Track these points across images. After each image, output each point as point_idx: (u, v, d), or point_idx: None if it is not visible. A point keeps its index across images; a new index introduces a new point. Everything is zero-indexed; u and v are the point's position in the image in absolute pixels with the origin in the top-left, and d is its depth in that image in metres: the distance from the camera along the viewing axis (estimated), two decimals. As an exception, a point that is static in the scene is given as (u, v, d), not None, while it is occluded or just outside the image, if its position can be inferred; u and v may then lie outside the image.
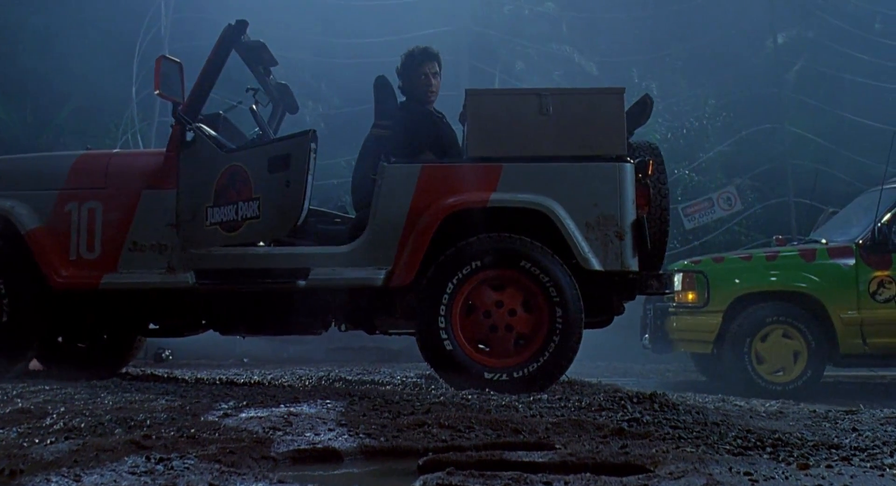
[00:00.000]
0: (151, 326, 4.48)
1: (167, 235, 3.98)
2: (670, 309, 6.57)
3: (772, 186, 13.16)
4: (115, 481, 1.79)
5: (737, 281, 6.34)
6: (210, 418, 2.61)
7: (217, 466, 1.95)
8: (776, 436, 2.53)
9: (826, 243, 6.49)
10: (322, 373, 5.39)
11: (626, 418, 2.80)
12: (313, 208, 4.30)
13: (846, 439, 2.61)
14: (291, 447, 2.22)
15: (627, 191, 3.83)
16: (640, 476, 1.93)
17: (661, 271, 4.06)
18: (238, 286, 3.93)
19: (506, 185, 3.83)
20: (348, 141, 9.16)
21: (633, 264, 3.83)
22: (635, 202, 3.84)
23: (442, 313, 3.75)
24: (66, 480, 1.78)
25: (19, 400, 2.93)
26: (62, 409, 2.67)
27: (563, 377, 4.10)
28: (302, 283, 3.83)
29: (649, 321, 6.93)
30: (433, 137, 4.23)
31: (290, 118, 5.11)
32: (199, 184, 3.99)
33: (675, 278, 6.33)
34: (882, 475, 1.97)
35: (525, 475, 1.91)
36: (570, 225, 3.78)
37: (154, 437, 2.16)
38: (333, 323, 4.27)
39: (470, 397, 3.32)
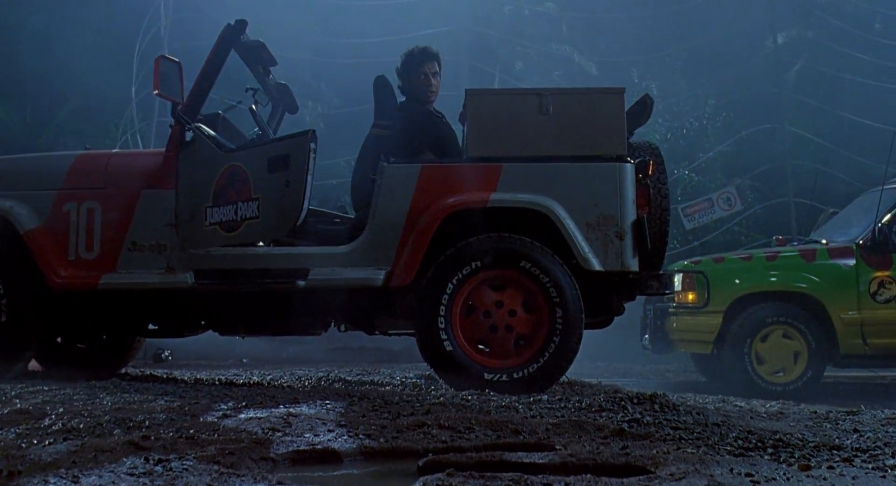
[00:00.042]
0: (150, 326, 4.46)
1: (166, 236, 3.97)
2: (670, 309, 6.57)
3: (772, 186, 13.16)
4: (113, 482, 1.78)
5: (737, 281, 6.34)
6: (209, 418, 2.60)
7: (216, 467, 1.94)
8: (777, 437, 2.52)
9: (826, 244, 6.49)
10: (321, 373, 5.38)
11: (627, 418, 2.80)
12: (313, 208, 4.29)
13: (847, 440, 2.60)
14: (291, 448, 2.21)
15: (628, 191, 3.82)
16: (641, 478, 1.93)
17: (661, 272, 4.06)
18: (237, 287, 3.92)
19: (506, 185, 3.83)
20: (348, 141, 9.14)
21: (634, 265, 3.82)
22: (635, 202, 3.83)
23: (442, 313, 3.74)
24: (65, 481, 1.77)
25: (18, 401, 2.92)
26: (61, 410, 2.67)
27: (564, 378, 4.09)
28: (301, 283, 3.83)
29: (649, 322, 6.92)
30: (433, 137, 4.22)
31: (290, 118, 5.10)
32: (199, 184, 3.99)
33: (676, 279, 6.32)
34: (884, 477, 1.96)
35: (525, 476, 1.91)
36: (571, 225, 3.77)
37: (153, 438, 2.15)
38: (333, 323, 4.27)
39: (470, 397, 3.31)
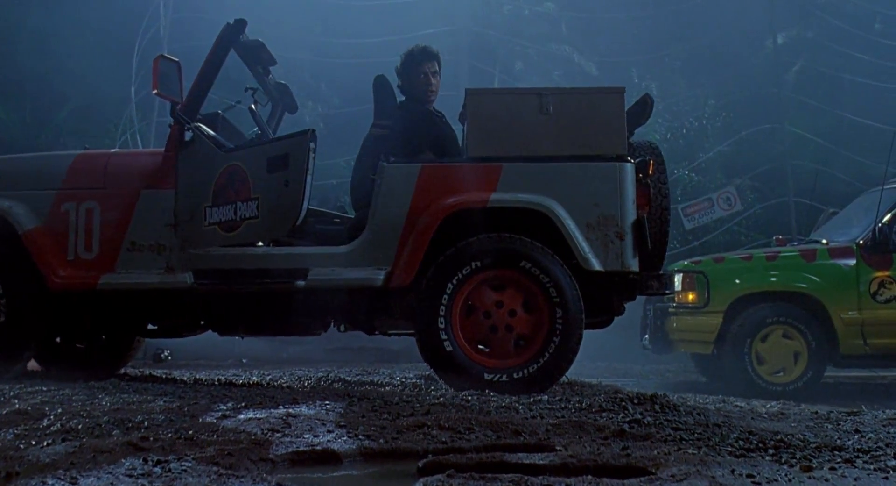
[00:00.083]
0: (150, 326, 4.46)
1: (165, 236, 3.96)
2: (670, 309, 6.56)
3: (772, 186, 13.17)
4: (111, 483, 1.77)
5: (737, 281, 6.33)
6: (208, 419, 2.59)
7: (215, 468, 1.93)
8: (778, 438, 2.51)
9: (826, 244, 6.48)
10: (321, 374, 5.37)
11: (628, 419, 2.79)
12: (312, 208, 4.28)
13: (849, 440, 2.59)
14: (290, 449, 2.20)
15: (628, 191, 3.81)
16: (642, 479, 1.92)
17: (661, 272, 4.05)
18: (237, 287, 3.91)
19: (506, 185, 3.82)
20: (348, 141, 9.16)
21: (634, 265, 3.82)
22: (636, 202, 3.83)
23: (442, 313, 3.74)
24: (63, 482, 1.76)
25: (17, 401, 2.91)
26: (59, 410, 2.66)
27: (564, 378, 4.09)
28: (301, 283, 3.82)
29: (649, 322, 6.91)
30: (433, 137, 4.21)
31: (290, 118, 5.10)
32: (198, 184, 3.98)
33: (676, 279, 6.31)
34: (886, 478, 1.96)
35: (526, 477, 1.90)
36: (571, 225, 3.76)
37: (152, 439, 2.14)
38: (332, 324, 4.26)
39: (470, 398, 3.31)
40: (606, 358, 8.59)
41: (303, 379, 4.85)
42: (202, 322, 4.30)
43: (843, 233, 6.61)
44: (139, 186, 4.02)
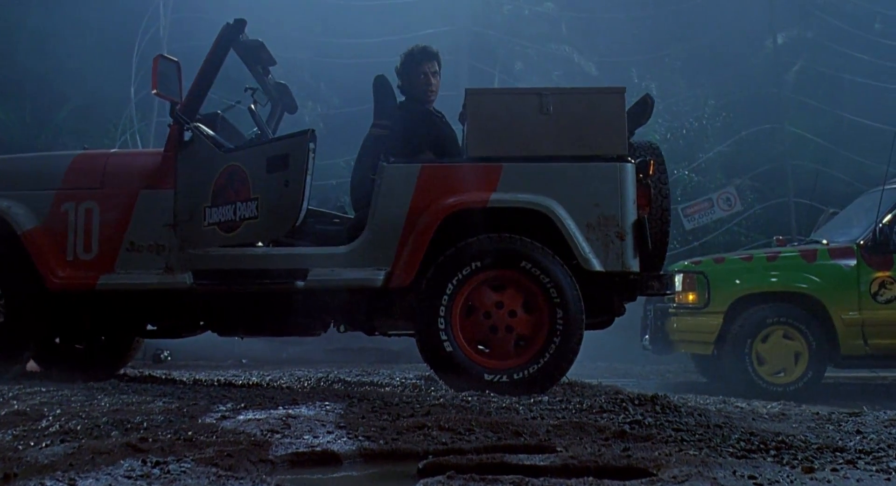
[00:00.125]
0: (149, 327, 4.45)
1: (165, 236, 3.96)
2: (671, 310, 6.55)
3: (772, 186, 13.16)
4: (110, 485, 1.76)
5: (737, 282, 6.32)
6: (207, 420, 2.58)
7: (214, 469, 1.92)
8: (780, 439, 2.50)
9: (827, 244, 6.47)
10: (321, 374, 5.36)
11: (628, 420, 2.78)
12: (312, 209, 4.27)
13: (850, 441, 2.58)
14: (290, 450, 2.20)
15: (628, 191, 3.81)
16: (644, 480, 1.91)
17: (661, 272, 4.04)
18: (236, 287, 3.90)
19: (506, 185, 3.81)
20: (347, 141, 9.15)
21: (634, 265, 3.81)
22: (636, 202, 3.82)
23: (441, 314, 3.73)
24: (61, 484, 1.75)
25: (15, 402, 2.90)
26: (58, 411, 2.65)
27: (564, 379, 4.08)
28: (300, 284, 3.81)
29: (649, 322, 6.90)
30: (433, 137, 4.20)
31: (289, 118, 5.09)
32: (197, 184, 3.97)
33: (676, 279, 6.30)
34: (889, 479, 1.95)
35: (526, 478, 1.89)
36: (571, 225, 3.75)
37: (150, 440, 2.13)
38: (332, 324, 4.25)
39: (470, 398, 3.30)
40: (606, 358, 8.58)
41: (302, 380, 4.84)
42: (201, 323, 4.29)
43: (843, 233, 6.61)
44: (138, 186, 4.01)
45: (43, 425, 2.42)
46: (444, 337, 3.72)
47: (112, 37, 12.63)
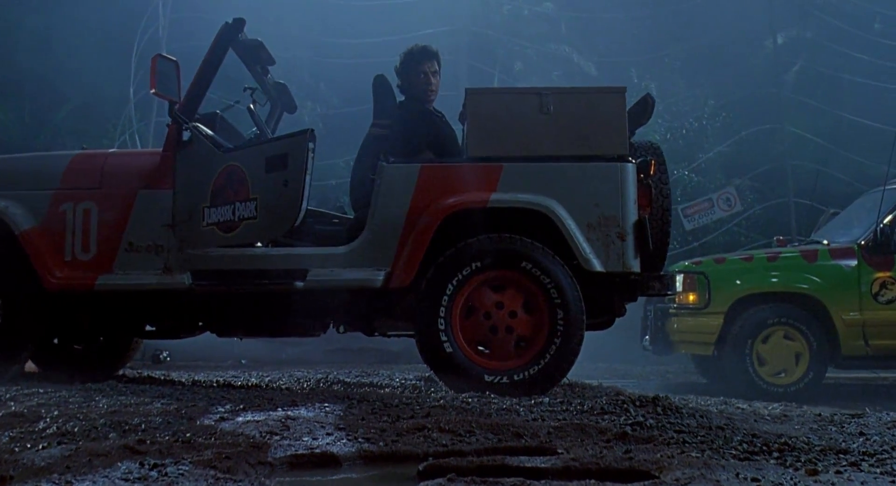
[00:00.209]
0: (148, 327, 4.43)
1: (163, 236, 3.94)
2: (671, 310, 6.54)
3: (772, 186, 13.15)
4: (107, 488, 1.75)
5: (738, 282, 6.31)
6: (206, 422, 2.57)
7: (212, 472, 1.91)
8: (782, 440, 2.49)
9: (828, 244, 6.46)
10: (320, 375, 5.35)
11: (630, 422, 2.76)
12: (311, 209, 4.26)
13: (854, 443, 2.57)
14: (289, 452, 2.18)
15: (629, 191, 3.79)
16: (646, 483, 1.89)
17: (662, 273, 4.02)
18: (235, 287, 3.89)
19: (506, 185, 3.79)
20: (347, 141, 9.14)
21: (635, 265, 3.79)
22: (637, 203, 3.80)
23: (441, 314, 3.71)
24: (58, 487, 1.73)
25: (12, 403, 2.88)
26: (56, 413, 2.63)
27: (564, 380, 4.06)
28: (300, 284, 3.79)
29: (650, 323, 6.89)
30: (432, 137, 4.18)
31: (288, 118, 5.07)
32: (196, 184, 3.95)
33: (677, 280, 6.28)
34: (893, 482, 1.93)
35: (528, 481, 1.88)
36: (571, 226, 3.73)
37: (148, 442, 2.12)
38: (332, 325, 4.23)
39: (470, 400, 3.28)
40: (607, 359, 8.56)
41: (302, 381, 4.82)
42: (200, 323, 4.27)
43: (844, 233, 6.59)
44: (137, 186, 4.00)
45: (40, 426, 2.40)
46: (444, 338, 3.70)
47: (111, 37, 12.62)
